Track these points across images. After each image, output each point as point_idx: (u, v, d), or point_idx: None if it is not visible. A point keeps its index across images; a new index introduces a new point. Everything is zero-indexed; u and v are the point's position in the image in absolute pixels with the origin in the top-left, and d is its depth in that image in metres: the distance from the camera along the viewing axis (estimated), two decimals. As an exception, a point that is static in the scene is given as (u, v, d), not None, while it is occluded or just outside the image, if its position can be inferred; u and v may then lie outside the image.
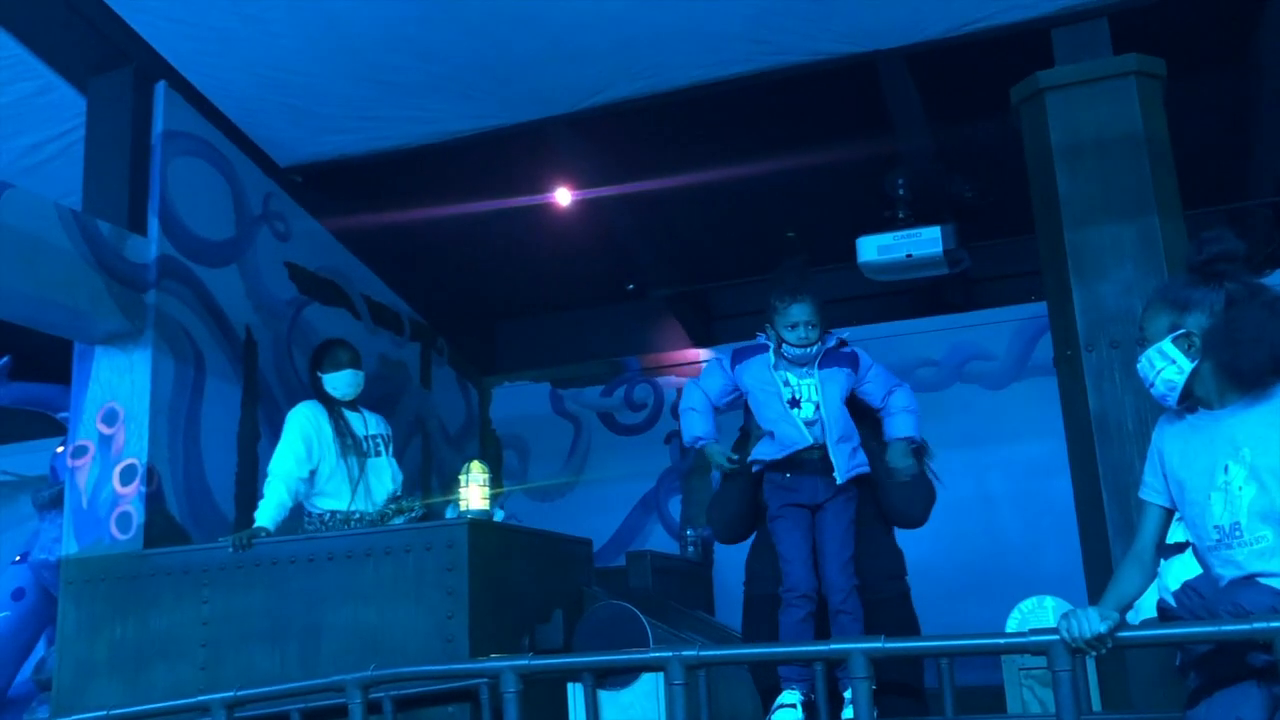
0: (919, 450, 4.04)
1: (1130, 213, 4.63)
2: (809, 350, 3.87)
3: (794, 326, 3.86)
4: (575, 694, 3.70)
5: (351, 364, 4.90)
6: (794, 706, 3.63)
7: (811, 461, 3.82)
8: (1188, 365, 2.50)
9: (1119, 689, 4.06)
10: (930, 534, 7.08)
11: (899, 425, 3.95)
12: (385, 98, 5.63)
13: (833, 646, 2.68)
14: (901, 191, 6.39)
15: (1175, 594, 2.47)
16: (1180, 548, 2.57)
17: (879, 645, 2.53)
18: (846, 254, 6.56)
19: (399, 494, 4.89)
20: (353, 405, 4.93)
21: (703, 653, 2.68)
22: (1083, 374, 4.62)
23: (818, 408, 3.83)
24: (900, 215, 6.37)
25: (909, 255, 6.24)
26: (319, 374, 4.91)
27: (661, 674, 2.79)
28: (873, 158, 6.41)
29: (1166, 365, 2.52)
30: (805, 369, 3.90)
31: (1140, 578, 2.54)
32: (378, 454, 4.90)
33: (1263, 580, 2.38)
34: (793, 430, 3.82)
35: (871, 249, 6.35)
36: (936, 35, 5.20)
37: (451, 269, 7.32)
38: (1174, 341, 2.51)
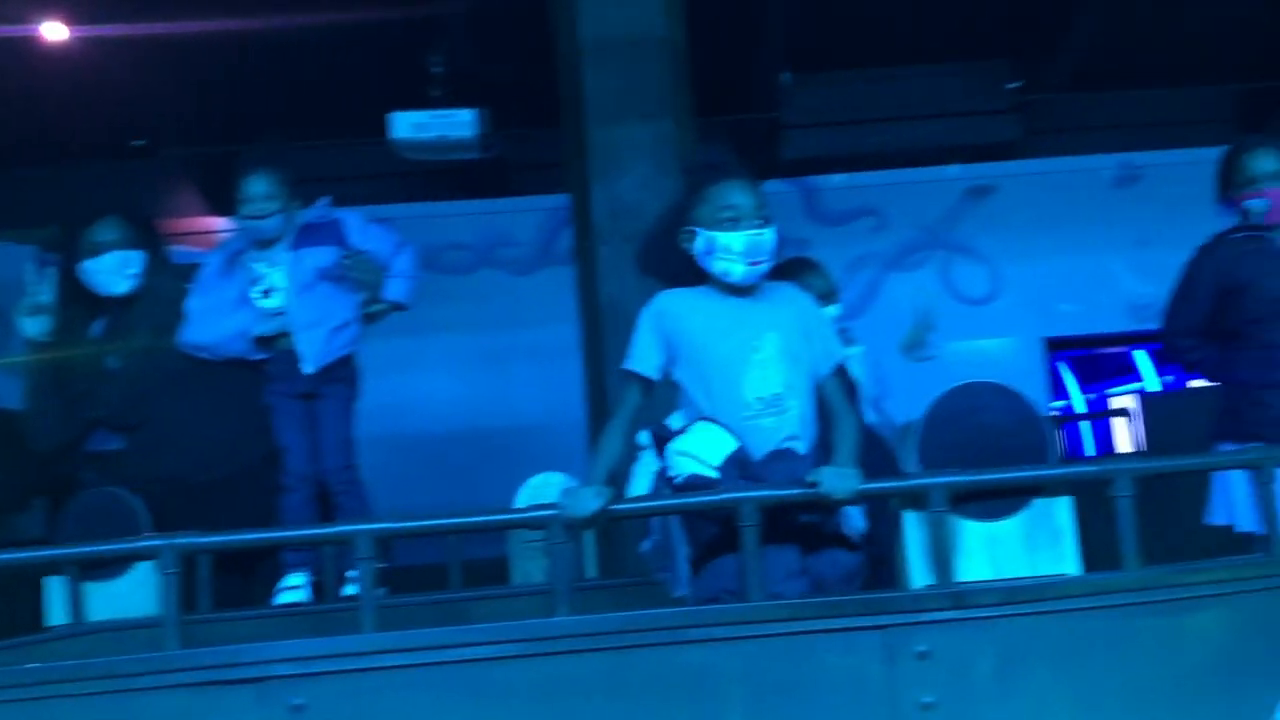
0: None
1: (649, 114, 4.90)
2: (263, 224, 3.73)
3: (249, 201, 3.72)
4: (54, 588, 3.38)
5: None
6: (299, 588, 3.61)
7: (289, 351, 3.75)
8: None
9: (615, 556, 4.41)
10: (453, 412, 7.31)
11: (395, 289, 3.91)
12: None
13: (338, 529, 2.65)
14: (439, 69, 6.30)
15: (720, 467, 2.61)
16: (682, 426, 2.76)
17: (383, 526, 2.53)
18: (380, 128, 6.38)
19: None
20: None
21: (198, 540, 2.54)
22: (597, 264, 4.88)
23: (286, 295, 3.74)
24: (436, 94, 6.29)
25: (442, 136, 6.20)
26: None
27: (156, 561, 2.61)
28: (412, 31, 6.25)
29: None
30: (274, 253, 3.78)
31: (625, 447, 2.74)
32: None
33: (795, 443, 2.65)
34: (237, 315, 3.76)
35: (405, 126, 6.22)
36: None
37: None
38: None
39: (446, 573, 4.11)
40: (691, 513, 2.67)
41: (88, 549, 2.82)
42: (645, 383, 2.76)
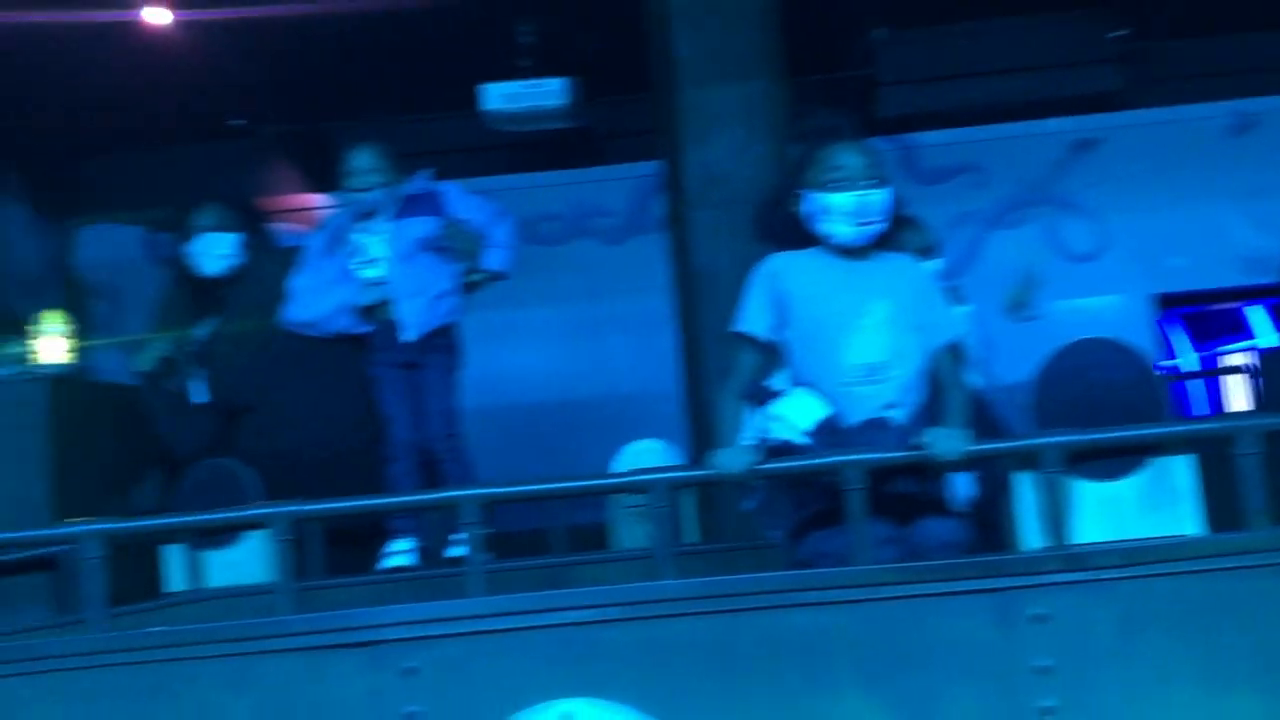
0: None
1: (741, 76, 4.82)
2: (366, 197, 3.78)
3: (353, 175, 3.78)
4: (173, 557, 3.49)
5: None
6: (404, 553, 3.67)
7: (391, 321, 3.80)
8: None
9: (715, 522, 4.39)
10: (548, 381, 7.34)
11: (493, 258, 3.93)
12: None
13: (444, 495, 2.67)
14: (527, 39, 6.28)
15: (809, 433, 2.58)
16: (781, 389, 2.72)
17: (488, 492, 2.55)
18: (471, 101, 6.42)
19: None
20: None
21: (309, 506, 2.59)
22: (692, 231, 4.83)
23: (387, 265, 3.79)
24: (526, 64, 6.28)
25: (533, 106, 6.20)
26: None
27: (269, 530, 2.67)
28: (501, 2, 6.24)
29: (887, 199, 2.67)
30: (375, 222, 3.82)
31: (745, 412, 2.71)
32: None
33: (892, 412, 2.61)
34: (340, 290, 3.84)
35: (496, 97, 6.24)
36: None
37: (28, 97, 6.40)
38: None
39: (548, 538, 4.13)
40: (794, 477, 2.63)
41: (207, 517, 2.90)
42: (757, 344, 2.74)
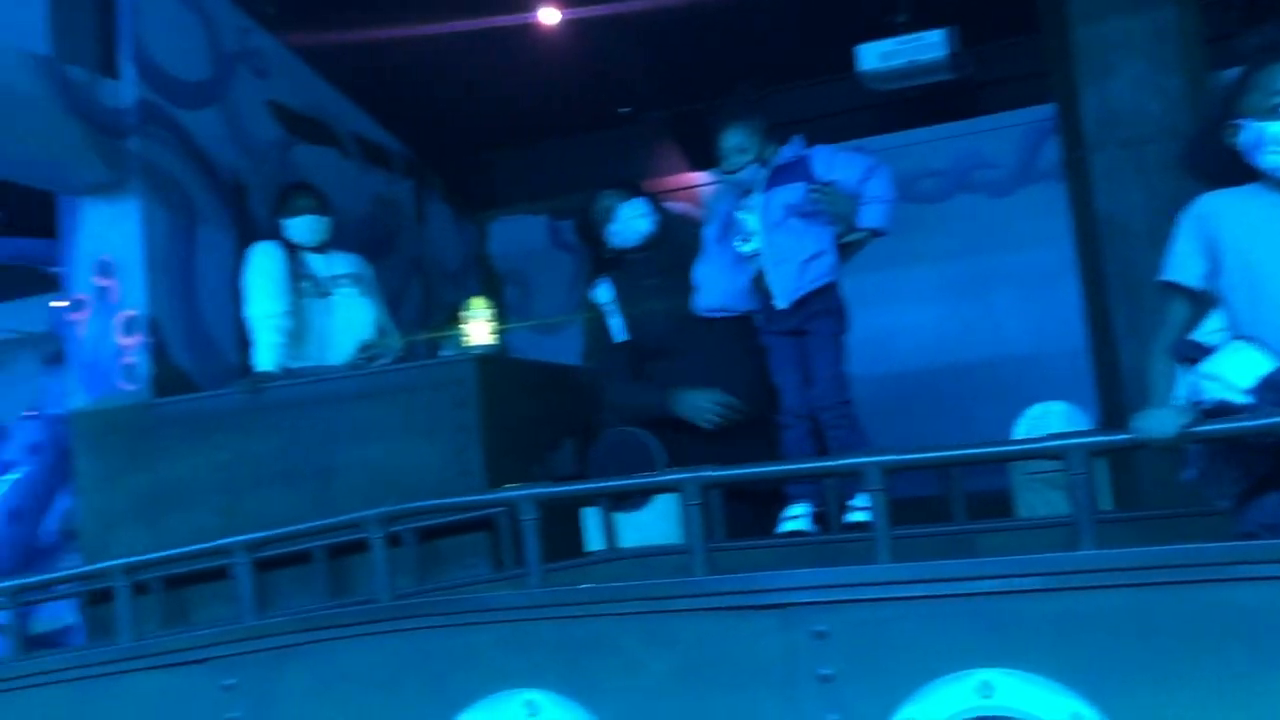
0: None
1: (1141, 4, 4.44)
2: (740, 175, 3.79)
3: (726, 156, 3.80)
4: (591, 518, 3.76)
5: (311, 210, 4.75)
6: (801, 517, 3.72)
7: (770, 290, 3.83)
8: None
9: (1130, 488, 4.11)
10: (936, 343, 7.17)
11: (869, 215, 3.81)
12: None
13: (848, 461, 2.69)
14: (902, -6, 6.13)
15: (1252, 391, 2.32)
16: (1216, 343, 2.47)
17: (893, 459, 2.53)
18: (843, 65, 6.35)
19: (373, 340, 4.82)
20: (320, 248, 4.83)
21: (717, 473, 2.70)
22: (1091, 175, 4.52)
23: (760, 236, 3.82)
24: (902, 19, 6.13)
25: (911, 61, 6.03)
26: (278, 219, 4.80)
27: (676, 495, 2.81)
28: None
29: None
30: (751, 198, 3.85)
31: (1175, 370, 2.48)
32: (344, 293, 4.80)
33: None
34: (739, 272, 3.90)
35: (873, 57, 6.12)
36: None
37: (441, 102, 7.09)
38: None
39: (944, 505, 4.05)
40: (1239, 441, 2.38)
41: (627, 482, 3.09)
42: (1187, 294, 2.50)
